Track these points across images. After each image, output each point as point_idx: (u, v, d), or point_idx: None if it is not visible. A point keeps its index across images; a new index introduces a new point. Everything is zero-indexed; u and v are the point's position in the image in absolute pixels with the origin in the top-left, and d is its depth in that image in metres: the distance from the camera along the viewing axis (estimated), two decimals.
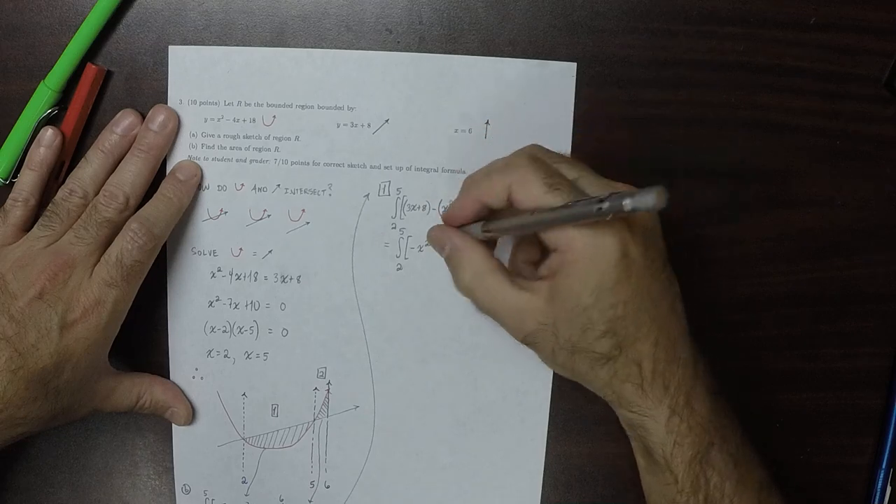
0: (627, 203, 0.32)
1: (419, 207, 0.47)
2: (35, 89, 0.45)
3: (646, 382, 0.39)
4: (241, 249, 0.48)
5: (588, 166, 0.41)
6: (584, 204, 0.34)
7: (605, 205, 0.33)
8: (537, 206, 0.38)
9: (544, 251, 0.41)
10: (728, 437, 0.40)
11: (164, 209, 0.44)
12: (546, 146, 0.44)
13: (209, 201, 0.47)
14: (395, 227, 0.47)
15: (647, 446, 0.41)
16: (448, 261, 0.43)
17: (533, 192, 0.38)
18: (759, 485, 0.41)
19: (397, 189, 0.47)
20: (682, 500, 0.40)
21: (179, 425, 0.49)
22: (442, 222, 0.45)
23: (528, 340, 0.40)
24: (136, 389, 0.47)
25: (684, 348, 0.40)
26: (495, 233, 0.41)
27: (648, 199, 0.31)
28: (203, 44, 0.46)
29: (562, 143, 0.46)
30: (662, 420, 0.39)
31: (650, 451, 0.41)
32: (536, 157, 0.40)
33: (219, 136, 0.46)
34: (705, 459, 0.40)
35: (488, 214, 0.42)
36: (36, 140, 0.45)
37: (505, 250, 0.46)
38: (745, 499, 0.40)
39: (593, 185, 0.39)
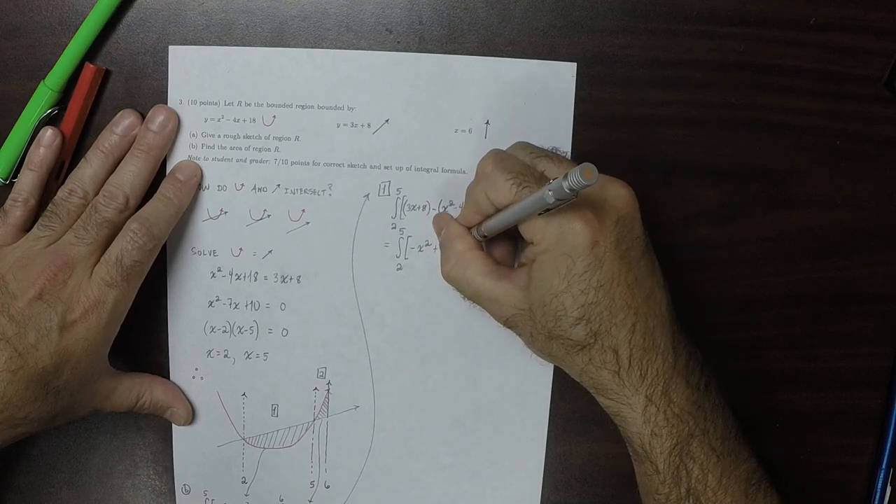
0: (565, 184, 0.34)
1: (419, 207, 0.47)
2: (35, 89, 0.45)
3: (622, 370, 0.40)
4: (241, 249, 0.48)
5: (565, 158, 0.42)
6: (537, 193, 0.36)
7: (551, 191, 0.35)
8: (512, 202, 0.40)
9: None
10: (710, 430, 0.40)
11: (164, 209, 0.44)
12: (545, 146, 0.44)
13: (209, 201, 0.47)
14: (395, 227, 0.47)
15: (626, 435, 0.41)
16: (440, 248, 0.46)
17: (503, 193, 0.40)
18: (746, 478, 0.41)
19: (397, 189, 0.47)
20: (664, 491, 0.40)
21: (179, 425, 0.49)
22: None
23: (508, 324, 0.43)
24: (136, 389, 0.47)
25: (663, 337, 0.40)
26: (487, 232, 0.43)
27: (577, 177, 0.33)
28: (203, 44, 0.46)
29: (562, 143, 0.46)
30: (639, 409, 0.40)
31: (630, 440, 0.41)
32: (502, 159, 0.41)
33: (219, 136, 0.46)
34: (685, 451, 0.40)
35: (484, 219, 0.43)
36: (36, 140, 0.45)
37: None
38: (730, 492, 0.40)
39: (557, 173, 0.40)
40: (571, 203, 0.37)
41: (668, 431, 0.40)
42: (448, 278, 0.44)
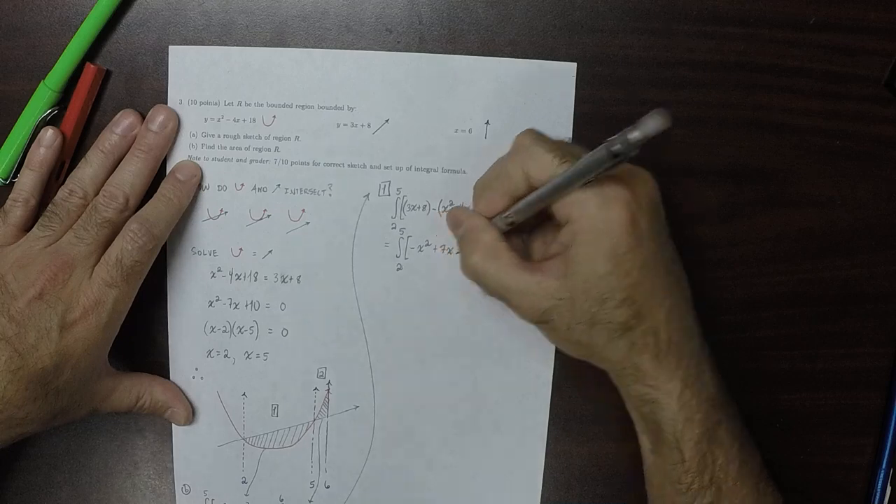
0: (636, 134, 0.32)
1: (419, 207, 0.47)
2: (35, 89, 0.45)
3: (661, 353, 0.40)
4: (241, 249, 0.48)
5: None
6: (596, 153, 0.35)
7: (616, 145, 0.33)
8: (552, 177, 0.39)
9: (547, 237, 0.43)
10: (732, 417, 0.41)
11: (164, 209, 0.44)
12: None
13: (209, 201, 0.47)
14: (395, 227, 0.47)
15: (657, 423, 0.41)
16: (461, 241, 0.43)
17: (546, 165, 0.39)
18: (758, 471, 0.41)
19: (397, 189, 0.47)
20: (687, 480, 0.40)
21: (179, 425, 0.49)
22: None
23: (543, 318, 0.40)
24: (136, 389, 0.47)
25: (692, 319, 0.41)
26: (517, 216, 0.41)
27: (651, 123, 0.32)
28: (203, 44, 0.46)
29: None
30: (675, 393, 0.40)
31: (660, 428, 0.41)
32: (539, 135, 0.41)
33: (219, 136, 0.46)
34: (713, 438, 0.40)
35: (512, 204, 0.42)
36: (36, 140, 0.45)
37: None
38: (746, 483, 0.41)
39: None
40: (607, 184, 0.37)
41: (701, 417, 0.40)
42: (474, 272, 0.42)
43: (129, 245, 0.42)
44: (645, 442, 0.43)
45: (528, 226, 0.43)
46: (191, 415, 0.49)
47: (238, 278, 0.48)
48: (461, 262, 0.43)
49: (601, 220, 0.38)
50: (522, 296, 0.40)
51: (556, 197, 0.39)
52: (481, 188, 0.44)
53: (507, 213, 0.41)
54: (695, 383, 0.40)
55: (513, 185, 0.41)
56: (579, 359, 0.43)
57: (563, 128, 0.46)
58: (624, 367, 0.41)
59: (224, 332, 0.48)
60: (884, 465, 0.51)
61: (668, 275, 0.40)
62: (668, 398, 0.40)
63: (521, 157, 0.40)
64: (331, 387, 0.49)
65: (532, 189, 0.40)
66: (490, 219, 0.43)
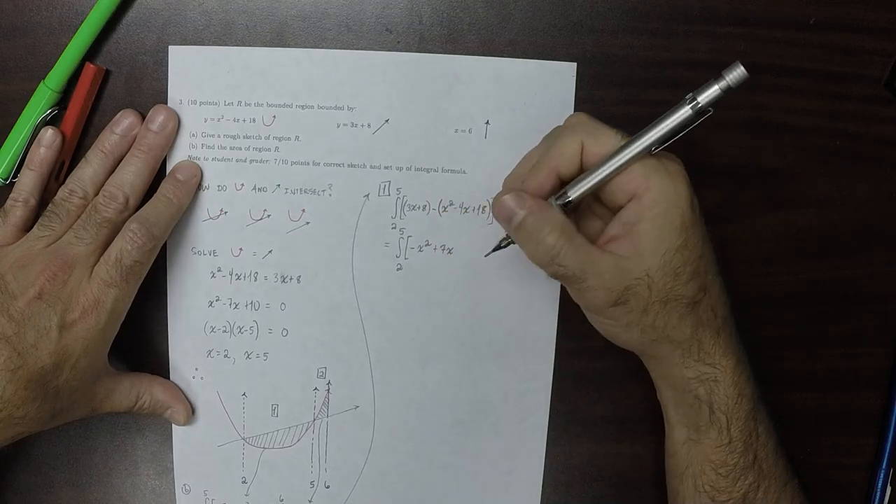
0: (722, 84, 0.34)
1: (419, 207, 0.47)
2: (35, 89, 0.45)
3: (719, 328, 0.40)
4: (241, 249, 0.48)
5: None
6: (677, 114, 0.37)
7: (701, 96, 0.35)
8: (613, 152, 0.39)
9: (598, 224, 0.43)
10: (765, 396, 0.42)
11: (164, 209, 0.44)
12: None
13: (209, 201, 0.47)
14: (395, 227, 0.47)
15: (710, 404, 0.41)
16: (522, 226, 0.39)
17: (606, 141, 0.39)
18: (787, 454, 0.42)
19: (397, 189, 0.47)
20: (732, 462, 0.41)
21: (179, 425, 0.49)
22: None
23: (622, 299, 0.39)
24: (136, 389, 0.47)
25: (729, 296, 0.41)
26: (577, 196, 0.40)
27: (738, 72, 0.34)
28: (203, 44, 0.46)
29: None
30: (730, 369, 0.40)
31: (712, 409, 0.41)
32: (590, 116, 0.41)
33: (219, 136, 0.46)
34: (758, 414, 0.41)
35: (559, 188, 0.40)
36: (36, 140, 0.45)
37: None
38: (779, 464, 0.42)
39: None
40: (663, 159, 0.38)
41: (750, 392, 0.41)
42: (551, 253, 0.38)
43: (129, 245, 0.42)
44: (680, 433, 0.42)
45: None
46: (190, 414, 0.49)
47: (238, 278, 0.48)
48: (531, 245, 0.39)
49: (671, 192, 0.38)
50: (601, 277, 0.38)
51: (617, 172, 0.39)
52: (516, 177, 0.43)
53: (561, 193, 0.40)
54: (743, 358, 0.41)
55: (564, 164, 0.40)
56: (636, 349, 0.42)
57: None
58: (690, 345, 0.40)
59: (224, 332, 0.48)
60: (884, 465, 0.51)
61: (714, 250, 0.40)
62: (724, 374, 0.40)
63: (579, 133, 0.40)
64: (331, 387, 0.49)
65: (581, 170, 0.40)
66: None
